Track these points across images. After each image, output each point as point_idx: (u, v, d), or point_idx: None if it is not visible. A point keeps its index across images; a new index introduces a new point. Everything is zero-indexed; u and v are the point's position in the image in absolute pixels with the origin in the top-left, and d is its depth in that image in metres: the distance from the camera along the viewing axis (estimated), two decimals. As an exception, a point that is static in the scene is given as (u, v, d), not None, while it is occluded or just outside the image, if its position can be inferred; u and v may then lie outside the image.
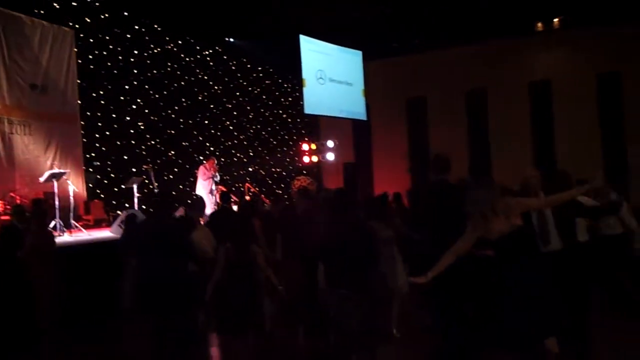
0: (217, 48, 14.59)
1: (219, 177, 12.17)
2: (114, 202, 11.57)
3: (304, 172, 15.88)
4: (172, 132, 12.97)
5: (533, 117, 17.04)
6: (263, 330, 5.61)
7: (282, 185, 16.04)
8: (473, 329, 5.54)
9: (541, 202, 4.45)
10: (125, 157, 11.89)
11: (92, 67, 11.37)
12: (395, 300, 6.05)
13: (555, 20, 16.25)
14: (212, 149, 13.92)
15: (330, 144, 16.19)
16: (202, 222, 7.33)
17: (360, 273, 4.74)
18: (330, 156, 16.21)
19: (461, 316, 4.97)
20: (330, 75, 14.57)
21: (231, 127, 14.89)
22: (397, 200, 9.50)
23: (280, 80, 17.01)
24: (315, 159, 16.30)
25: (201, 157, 13.39)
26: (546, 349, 3.87)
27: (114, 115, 11.73)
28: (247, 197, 12.94)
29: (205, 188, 11.64)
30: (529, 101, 17.08)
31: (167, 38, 13.09)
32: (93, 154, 11.41)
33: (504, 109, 17.00)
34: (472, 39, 16.43)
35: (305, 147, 16.50)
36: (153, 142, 12.53)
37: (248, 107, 15.62)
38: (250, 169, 15.10)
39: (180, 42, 13.43)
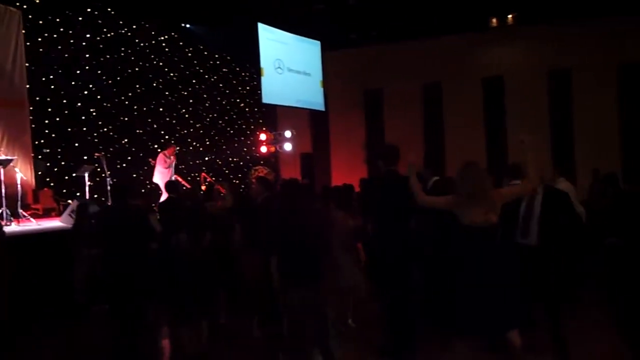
0: (173, 34, 14.28)
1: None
2: (64, 190, 11.22)
3: (262, 162, 15.81)
4: (126, 119, 12.65)
5: (486, 111, 17.45)
6: (217, 320, 5.59)
7: (240, 175, 15.92)
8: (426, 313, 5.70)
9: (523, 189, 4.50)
10: (76, 145, 11.51)
11: (41, 50, 10.95)
12: (353, 290, 6.10)
13: (509, 16, 16.64)
14: (167, 137, 13.66)
15: (287, 134, 16.14)
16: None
17: (315, 263, 4.75)
18: (287, 146, 16.16)
19: (410, 300, 5.10)
20: (289, 64, 14.50)
21: (187, 115, 14.63)
22: (347, 191, 9.52)
23: (237, 69, 16.80)
24: (272, 149, 16.22)
25: (156, 146, 13.13)
26: (508, 340, 3.97)
27: (64, 101, 11.34)
28: (203, 187, 12.78)
29: (164, 176, 11.36)
30: (482, 95, 17.48)
31: (121, 22, 12.71)
32: (42, 141, 11.03)
33: (458, 102, 17.35)
34: (428, 32, 16.66)
35: (262, 137, 16.40)
36: (105, 130, 12.18)
37: (205, 95, 15.37)
38: (206, 158, 14.89)
39: (134, 26, 13.08)
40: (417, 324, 5.20)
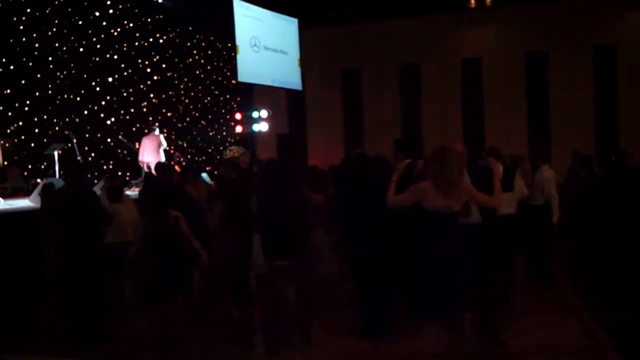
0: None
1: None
2: (33, 169, 10.91)
3: (237, 141, 15.62)
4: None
5: (464, 92, 17.47)
6: (190, 301, 5.51)
7: (216, 155, 15.73)
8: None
9: (489, 201, 4.38)
10: (46, 119, 11.15)
11: (8, 23, 10.54)
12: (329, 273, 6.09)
13: (487, -3, 16.63)
14: (151, 119, 13.32)
15: (264, 114, 15.92)
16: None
17: (300, 243, 4.80)
18: (263, 126, 15.95)
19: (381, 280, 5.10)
20: (265, 42, 14.22)
21: (163, 95, 14.31)
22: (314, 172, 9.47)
23: (212, 46, 16.48)
24: (248, 128, 15.99)
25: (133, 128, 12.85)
26: (464, 318, 4.01)
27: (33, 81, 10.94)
28: (177, 168, 12.59)
29: (155, 157, 11.52)
30: (461, 77, 17.49)
31: (86, 2, 12.20)
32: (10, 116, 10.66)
33: (436, 83, 17.34)
34: (407, 13, 16.55)
35: (237, 116, 16.17)
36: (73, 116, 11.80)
37: (179, 73, 15.04)
38: (180, 141, 14.64)
39: (108, 2, 12.66)
40: (390, 305, 5.20)
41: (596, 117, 16.39)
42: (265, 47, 14.24)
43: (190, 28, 15.39)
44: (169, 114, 14.49)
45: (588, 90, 16.33)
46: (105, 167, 12.18)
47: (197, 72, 15.83)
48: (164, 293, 5.04)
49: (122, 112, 13.12)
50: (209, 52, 16.51)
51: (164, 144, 12.32)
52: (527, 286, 6.73)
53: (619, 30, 16.05)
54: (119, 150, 12.31)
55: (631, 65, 15.87)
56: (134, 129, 13.19)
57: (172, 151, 12.92)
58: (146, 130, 12.52)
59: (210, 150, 15.87)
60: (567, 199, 10.77)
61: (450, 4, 16.52)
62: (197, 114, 15.70)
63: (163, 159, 11.82)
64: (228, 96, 17.16)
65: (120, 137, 11.80)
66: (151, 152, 11.82)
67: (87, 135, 11.90)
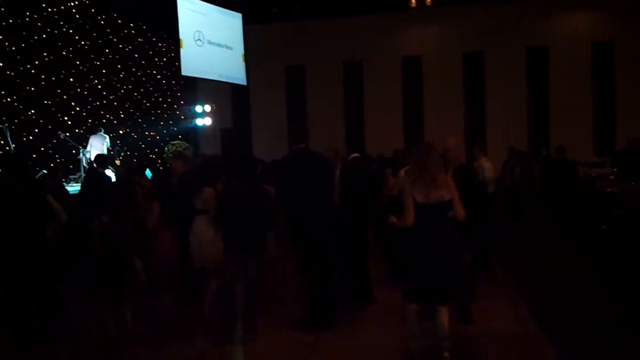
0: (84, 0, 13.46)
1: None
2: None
3: (180, 136, 15.37)
4: (32, 89, 11.85)
5: (405, 89, 17.89)
6: (135, 298, 5.45)
7: (156, 150, 15.41)
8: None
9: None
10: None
11: None
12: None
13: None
14: (77, 108, 12.95)
15: (207, 108, 15.76)
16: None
17: (261, 237, 4.90)
18: (207, 121, 15.80)
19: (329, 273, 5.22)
20: (209, 37, 14.08)
21: (100, 87, 13.91)
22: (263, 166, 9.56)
23: (154, 39, 16.14)
24: (191, 123, 15.79)
25: (65, 117, 12.44)
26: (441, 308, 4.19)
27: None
28: (117, 162, 12.31)
29: None
30: (402, 74, 17.89)
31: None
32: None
33: (378, 81, 17.68)
34: (350, 10, 16.77)
35: (181, 110, 15.93)
36: (9, 100, 11.37)
37: (119, 66, 14.66)
38: (121, 132, 14.27)
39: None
40: (336, 298, 5.32)
41: (529, 114, 17.18)
42: (210, 42, 14.10)
43: (128, 19, 14.99)
44: (115, 110, 14.12)
45: (522, 88, 17.10)
46: (51, 163, 11.79)
47: (142, 66, 15.46)
48: (111, 294, 4.97)
49: (72, 107, 12.76)
50: (154, 47, 16.14)
51: (108, 143, 12.20)
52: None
53: (549, 33, 16.88)
54: (70, 144, 11.89)
55: (560, 65, 16.73)
56: (86, 125, 12.89)
57: (111, 152, 12.67)
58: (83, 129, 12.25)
59: (149, 145, 15.52)
60: (503, 193, 11.32)
61: (392, 3, 16.86)
62: (143, 109, 15.35)
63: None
64: (170, 91, 16.83)
65: (60, 134, 11.47)
66: (99, 150, 11.75)
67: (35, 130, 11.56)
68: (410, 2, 17.23)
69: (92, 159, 11.57)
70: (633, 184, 9.87)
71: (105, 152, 12.00)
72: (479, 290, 6.16)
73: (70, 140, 11.82)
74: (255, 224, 4.82)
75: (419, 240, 4.12)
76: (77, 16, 13.23)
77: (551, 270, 7.37)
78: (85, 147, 11.88)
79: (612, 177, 11.11)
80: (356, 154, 6.19)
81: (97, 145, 11.97)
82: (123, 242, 5.00)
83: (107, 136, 12.38)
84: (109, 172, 9.31)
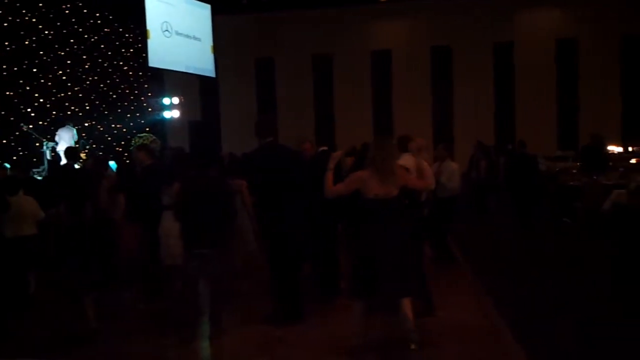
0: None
1: None
2: None
3: (147, 129, 15.15)
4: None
5: (374, 83, 17.99)
6: (104, 291, 5.38)
7: (122, 143, 15.16)
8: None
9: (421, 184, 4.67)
10: None
11: None
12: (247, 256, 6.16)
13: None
14: (41, 100, 12.63)
15: (175, 100, 15.56)
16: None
17: (220, 231, 4.80)
18: (175, 113, 15.60)
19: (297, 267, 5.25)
20: (177, 28, 13.87)
21: (64, 78, 13.58)
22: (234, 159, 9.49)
23: (121, 30, 15.81)
24: (159, 115, 15.56)
25: (29, 110, 12.13)
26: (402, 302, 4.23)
27: None
28: (83, 155, 12.08)
29: None
30: (371, 68, 17.97)
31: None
32: None
33: (348, 74, 17.72)
34: (320, 3, 16.74)
35: (149, 102, 15.68)
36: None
37: (84, 56, 14.32)
38: (86, 124, 13.98)
39: (2, -23, 11.84)
40: (303, 292, 5.35)
41: (496, 109, 17.47)
42: (177, 33, 13.89)
43: (94, 9, 14.66)
44: (80, 102, 13.83)
45: (488, 83, 17.37)
46: (14, 156, 11.51)
47: (108, 57, 15.14)
48: (73, 287, 4.89)
49: (35, 99, 12.46)
50: (120, 37, 15.82)
51: (75, 137, 11.96)
52: (431, 269, 7.09)
53: (515, 29, 17.19)
54: (33, 137, 11.62)
55: (526, 61, 17.05)
56: (50, 117, 12.62)
57: (77, 145, 12.42)
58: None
59: (116, 137, 15.24)
60: (469, 186, 11.51)
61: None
62: (109, 101, 15.06)
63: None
64: (137, 83, 16.54)
65: (23, 126, 11.19)
66: (68, 143, 11.56)
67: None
68: (380, -5, 17.31)
69: (62, 152, 11.43)
70: (595, 177, 10.19)
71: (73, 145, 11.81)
72: (443, 283, 6.32)
73: (34, 133, 11.54)
74: (213, 218, 4.71)
75: (368, 235, 4.17)
76: (41, 4, 12.87)
77: (513, 263, 7.54)
78: (49, 139, 11.61)
79: (575, 171, 11.42)
80: (324, 147, 6.22)
81: (66, 138, 11.73)
82: (80, 234, 4.92)
83: (75, 129, 12.13)
84: (77, 166, 9.15)
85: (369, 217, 4.18)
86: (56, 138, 11.73)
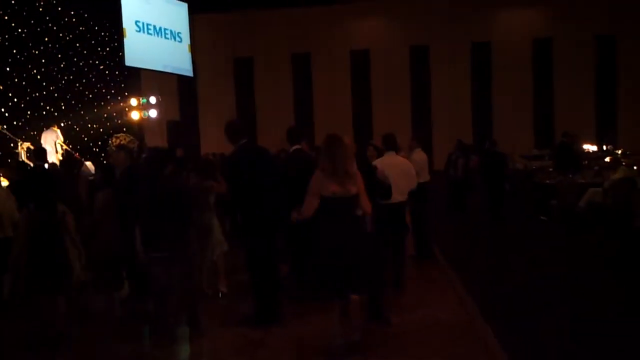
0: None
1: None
2: None
3: (124, 129, 14.98)
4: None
5: (353, 81, 18.03)
6: (74, 294, 5.28)
7: (99, 143, 14.95)
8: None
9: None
10: None
11: None
12: (220, 257, 6.12)
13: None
14: (15, 100, 12.40)
15: (152, 99, 15.39)
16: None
17: (178, 233, 4.66)
18: (152, 113, 15.42)
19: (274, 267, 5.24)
20: (154, 26, 13.72)
21: (39, 77, 13.35)
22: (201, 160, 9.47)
23: (96, 28, 15.59)
24: (136, 115, 15.37)
25: (2, 109, 11.90)
26: (352, 300, 4.23)
27: None
28: (77, 155, 11.95)
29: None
30: (350, 67, 18.01)
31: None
32: None
33: (327, 72, 17.74)
34: (297, 1, 16.72)
35: (126, 102, 15.49)
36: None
37: (59, 55, 14.08)
38: (62, 124, 13.75)
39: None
40: (282, 292, 5.34)
41: (473, 108, 17.66)
42: (154, 32, 13.75)
43: (68, 7, 14.44)
44: (56, 101, 13.62)
45: (466, 82, 17.55)
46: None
47: (84, 56, 14.92)
48: (44, 288, 4.79)
49: (9, 98, 12.23)
50: (96, 36, 15.60)
51: (60, 137, 11.86)
52: (411, 266, 7.14)
53: (492, 29, 17.38)
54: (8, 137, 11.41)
55: (503, 60, 17.26)
56: (25, 117, 12.45)
57: (63, 146, 12.27)
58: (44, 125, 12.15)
59: (92, 137, 15.04)
60: (447, 185, 11.62)
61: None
62: (85, 100, 14.85)
63: (56, 151, 11.63)
64: (114, 82, 16.34)
65: None
66: (50, 146, 11.57)
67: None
68: (359, -5, 17.36)
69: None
70: (570, 176, 10.36)
71: (58, 147, 11.69)
72: (423, 280, 6.36)
73: (8, 133, 11.33)
74: (168, 220, 4.58)
75: (324, 234, 4.17)
76: (13, 2, 12.63)
77: (492, 260, 7.63)
78: (24, 140, 11.42)
79: (551, 169, 11.59)
80: (298, 146, 6.18)
81: (49, 141, 11.67)
82: (53, 232, 4.82)
83: (58, 131, 11.98)
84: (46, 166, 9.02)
85: (325, 215, 4.17)
86: (41, 141, 11.60)
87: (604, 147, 14.95)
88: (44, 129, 12.11)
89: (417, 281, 6.46)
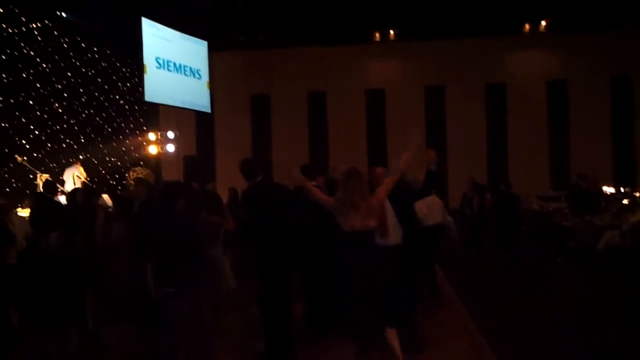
0: (47, 22, 13.28)
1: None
2: None
3: (141, 162, 15.18)
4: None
5: (368, 120, 18.17)
6: (85, 327, 5.28)
7: (117, 176, 15.15)
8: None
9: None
10: None
11: None
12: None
13: (391, 32, 17.48)
14: (36, 132, 12.66)
15: (170, 134, 15.63)
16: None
17: (188, 269, 4.63)
18: (170, 147, 15.64)
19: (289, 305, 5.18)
20: (174, 63, 14.04)
21: (60, 110, 13.65)
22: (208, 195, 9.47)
23: (118, 64, 16.00)
24: (154, 149, 15.61)
25: (24, 141, 12.15)
26: (385, 339, 4.15)
27: None
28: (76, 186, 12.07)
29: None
30: (365, 106, 18.18)
31: (-14, 5, 11.61)
32: None
33: (342, 112, 17.91)
34: (314, 41, 17.04)
35: (144, 136, 15.75)
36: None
37: (81, 90, 14.43)
38: (81, 157, 13.96)
39: (1, 10, 11.99)
40: (296, 329, 5.29)
41: (488, 148, 17.63)
42: (174, 68, 14.05)
43: (92, 43, 14.86)
44: (76, 134, 13.92)
45: (481, 122, 17.59)
46: (7, 187, 11.49)
47: (104, 91, 15.28)
48: (55, 318, 4.78)
49: (30, 130, 12.54)
50: (117, 71, 15.99)
51: (80, 169, 12.12)
52: (424, 306, 7.03)
53: (506, 70, 17.52)
54: (27, 169, 11.61)
55: (517, 101, 17.34)
56: (45, 149, 12.71)
57: (87, 180, 12.51)
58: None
59: (110, 170, 15.24)
60: (462, 223, 11.55)
61: (356, 36, 17.21)
62: (104, 134, 15.13)
63: (74, 183, 11.86)
64: (133, 117, 16.64)
65: (17, 158, 11.22)
66: (68, 181, 11.99)
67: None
68: (374, 35, 17.63)
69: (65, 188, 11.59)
70: (588, 218, 10.24)
71: (74, 180, 11.89)
72: (433, 317, 6.26)
73: (27, 165, 11.52)
74: (177, 255, 4.56)
75: (347, 270, 4.12)
76: (40, 38, 13.05)
77: (508, 302, 7.49)
78: (43, 172, 11.61)
79: (567, 210, 11.48)
80: (315, 183, 6.19)
81: (69, 174, 12.02)
82: (72, 262, 4.84)
83: (81, 168, 12.35)
84: (61, 199, 9.15)
85: (346, 250, 4.14)
86: (64, 175, 11.99)
87: (622, 189, 14.80)
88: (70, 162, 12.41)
89: (430, 321, 6.35)
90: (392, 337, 4.13)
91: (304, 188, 4.39)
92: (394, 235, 4.76)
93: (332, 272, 4.29)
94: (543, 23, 16.77)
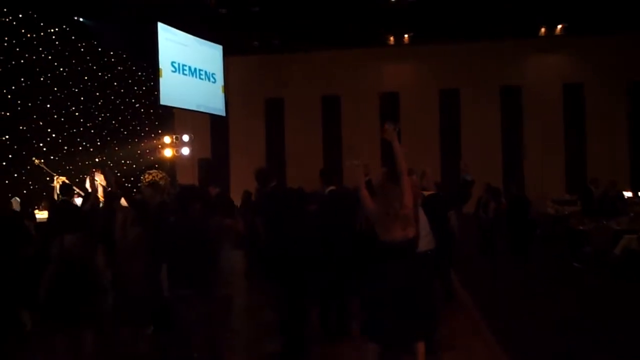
0: (64, 27, 13.46)
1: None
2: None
3: (157, 165, 15.29)
4: (7, 114, 11.72)
5: (382, 125, 18.10)
6: (100, 328, 5.30)
7: (132, 179, 15.26)
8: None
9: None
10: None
11: None
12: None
13: (405, 35, 17.45)
14: (53, 135, 12.82)
15: (185, 138, 15.73)
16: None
17: (203, 271, 4.65)
18: (185, 151, 15.75)
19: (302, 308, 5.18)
20: (189, 67, 14.16)
21: (77, 114, 13.82)
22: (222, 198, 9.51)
23: (134, 68, 16.16)
24: (169, 152, 15.72)
25: (41, 144, 12.31)
26: (414, 348, 4.13)
27: None
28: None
29: None
30: (379, 109, 18.15)
31: (5, 9, 11.79)
32: None
33: (356, 116, 17.90)
34: (328, 45, 17.06)
35: (159, 139, 15.87)
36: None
37: (97, 93, 14.60)
38: (97, 160, 14.12)
39: (20, 15, 12.18)
40: (310, 332, 5.29)
41: (503, 152, 17.52)
42: (190, 72, 14.17)
43: (108, 48, 15.03)
44: (92, 137, 14.09)
45: (496, 126, 17.49)
46: (24, 190, 11.65)
47: (120, 95, 15.44)
48: (70, 321, 4.83)
49: (48, 134, 12.73)
50: (133, 75, 16.15)
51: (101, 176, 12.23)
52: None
53: (522, 73, 17.40)
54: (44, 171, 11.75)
55: (533, 105, 17.20)
56: (62, 152, 12.91)
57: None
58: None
59: (125, 173, 15.36)
60: (478, 228, 11.47)
61: (370, 40, 17.20)
62: (120, 137, 15.29)
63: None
64: (148, 120, 16.78)
65: (35, 160, 11.34)
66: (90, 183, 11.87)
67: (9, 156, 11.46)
68: (389, 39, 17.61)
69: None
70: (605, 222, 10.12)
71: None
72: (449, 322, 6.22)
73: (45, 167, 11.66)
74: (192, 258, 4.58)
75: (383, 279, 4.10)
76: (57, 42, 13.22)
77: (523, 306, 7.42)
78: (60, 174, 11.72)
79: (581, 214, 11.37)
80: (332, 187, 6.20)
81: (90, 180, 12.07)
82: (87, 265, 4.88)
83: (97, 173, 12.32)
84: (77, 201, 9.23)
85: (383, 258, 4.11)
86: (86, 183, 11.96)
87: (639, 194, 14.61)
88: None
89: (443, 325, 6.31)
90: (421, 350, 4.11)
91: (359, 191, 4.37)
92: (423, 242, 4.74)
93: (362, 280, 4.26)
94: (559, 26, 16.63)
